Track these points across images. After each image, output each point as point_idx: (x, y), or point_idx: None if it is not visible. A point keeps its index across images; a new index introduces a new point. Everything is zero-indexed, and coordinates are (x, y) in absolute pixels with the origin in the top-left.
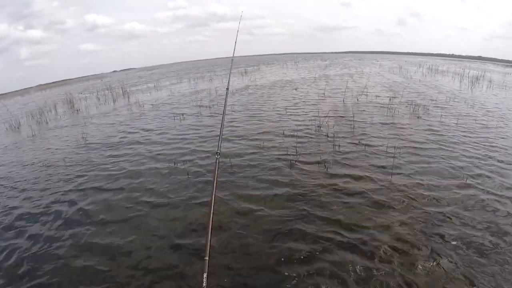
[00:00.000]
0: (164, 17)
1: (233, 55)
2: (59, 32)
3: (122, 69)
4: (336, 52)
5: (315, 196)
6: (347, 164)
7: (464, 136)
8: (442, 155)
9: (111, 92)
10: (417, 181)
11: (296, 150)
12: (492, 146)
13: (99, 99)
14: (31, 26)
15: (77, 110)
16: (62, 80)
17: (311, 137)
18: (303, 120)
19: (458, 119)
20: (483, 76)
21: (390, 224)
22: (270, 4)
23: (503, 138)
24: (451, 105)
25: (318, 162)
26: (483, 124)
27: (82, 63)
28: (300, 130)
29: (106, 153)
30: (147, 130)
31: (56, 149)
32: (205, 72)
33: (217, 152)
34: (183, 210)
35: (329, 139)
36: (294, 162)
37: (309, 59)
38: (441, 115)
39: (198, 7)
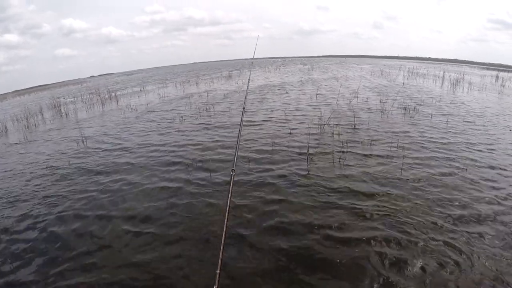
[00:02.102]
0: (141, 21)
1: (253, 57)
2: (36, 37)
3: (100, 74)
4: (314, 56)
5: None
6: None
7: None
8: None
9: (99, 96)
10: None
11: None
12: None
13: (86, 103)
14: (7, 30)
15: (66, 114)
16: (39, 86)
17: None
18: (306, 124)
19: (447, 119)
20: (463, 78)
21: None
22: (247, 8)
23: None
24: (439, 106)
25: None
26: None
27: (59, 68)
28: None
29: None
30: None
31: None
32: (189, 77)
33: (232, 169)
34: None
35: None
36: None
37: (288, 63)
38: (431, 113)
39: (176, 11)
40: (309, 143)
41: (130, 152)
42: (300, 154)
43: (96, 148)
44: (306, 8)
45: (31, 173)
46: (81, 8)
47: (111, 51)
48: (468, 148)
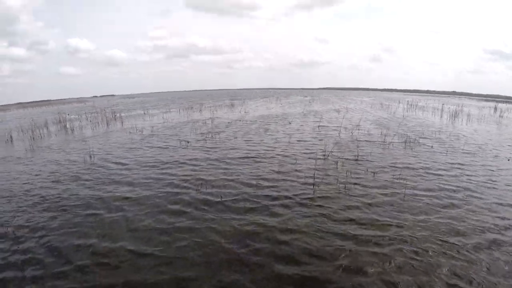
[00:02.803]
0: (144, 46)
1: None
2: (41, 53)
3: (102, 95)
4: (314, 88)
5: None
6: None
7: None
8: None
9: (105, 116)
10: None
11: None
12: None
13: (91, 121)
14: (14, 43)
15: (71, 130)
16: (42, 101)
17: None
18: (310, 155)
19: (447, 150)
20: (461, 110)
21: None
22: (249, 38)
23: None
24: (439, 138)
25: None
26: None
27: (62, 85)
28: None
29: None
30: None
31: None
32: (191, 103)
33: None
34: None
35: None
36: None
37: (288, 94)
38: (432, 145)
39: (179, 38)
40: (315, 174)
41: (134, 173)
42: (306, 183)
43: (101, 166)
44: (306, 41)
45: (35, 184)
46: (88, 28)
47: (114, 73)
48: (469, 180)
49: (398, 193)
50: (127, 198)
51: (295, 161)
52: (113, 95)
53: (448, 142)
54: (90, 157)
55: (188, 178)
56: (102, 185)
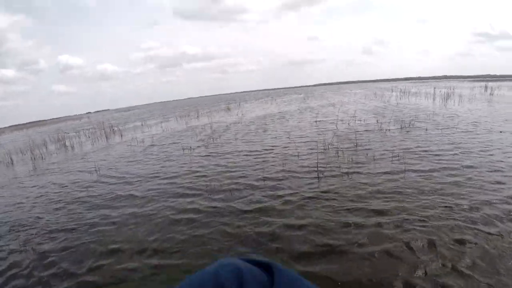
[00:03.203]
0: (136, 58)
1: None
2: (33, 73)
3: (96, 110)
4: (308, 86)
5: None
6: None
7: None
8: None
9: (103, 130)
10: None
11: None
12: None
13: (89, 137)
14: (4, 65)
15: (71, 147)
16: (37, 121)
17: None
18: (311, 148)
19: (442, 131)
20: (453, 92)
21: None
22: (239, 42)
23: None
24: (433, 120)
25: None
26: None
27: (56, 104)
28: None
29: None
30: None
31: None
32: (188, 111)
33: None
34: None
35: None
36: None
37: (283, 94)
38: (426, 128)
39: (169, 47)
40: (318, 166)
41: (139, 186)
42: (310, 177)
43: (104, 181)
44: (297, 39)
45: (39, 204)
46: (78, 44)
47: (107, 87)
48: (468, 156)
49: (399, 175)
50: (135, 213)
51: (297, 157)
52: (108, 110)
53: (443, 123)
54: (94, 173)
55: (194, 185)
56: (109, 201)
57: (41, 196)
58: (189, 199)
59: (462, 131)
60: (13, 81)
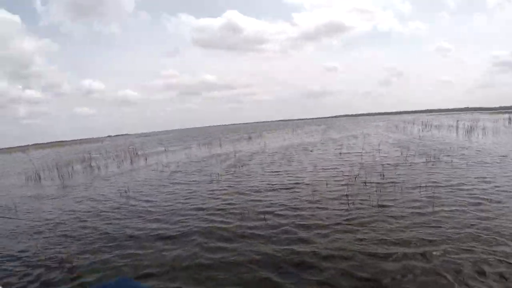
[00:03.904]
0: (156, 85)
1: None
2: (56, 95)
3: (116, 134)
4: (326, 117)
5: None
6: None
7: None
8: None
9: (128, 153)
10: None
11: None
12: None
13: (114, 159)
14: (29, 86)
15: (98, 168)
16: (59, 141)
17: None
18: (339, 180)
19: (467, 164)
20: (476, 125)
21: None
22: (257, 71)
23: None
24: (458, 153)
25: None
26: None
27: (77, 126)
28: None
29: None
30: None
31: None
32: (209, 139)
33: None
34: None
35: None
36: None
37: (302, 125)
38: (452, 161)
39: (189, 75)
40: (348, 199)
41: (168, 210)
42: (340, 209)
43: (133, 205)
44: (316, 71)
45: (68, 224)
46: (100, 70)
47: (127, 112)
48: (497, 191)
49: (428, 209)
50: (164, 236)
51: (325, 188)
52: (127, 134)
53: (467, 156)
54: (122, 195)
55: (223, 212)
56: (137, 223)
57: (66, 211)
58: (215, 225)
59: (489, 165)
60: (37, 101)
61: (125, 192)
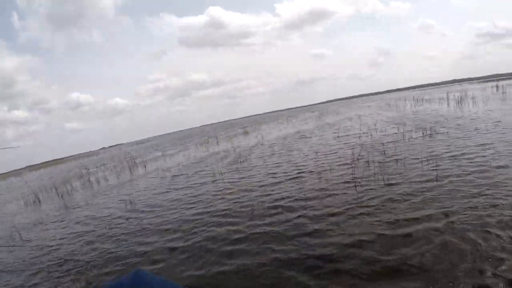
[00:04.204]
0: (145, 90)
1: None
2: (44, 112)
3: (111, 145)
4: (318, 103)
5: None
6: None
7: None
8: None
9: (127, 163)
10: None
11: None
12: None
13: (112, 170)
14: (15, 106)
15: (97, 182)
16: (52, 160)
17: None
18: (343, 161)
19: (464, 133)
20: (466, 95)
21: None
22: (245, 65)
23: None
24: (453, 124)
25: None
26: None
27: (69, 142)
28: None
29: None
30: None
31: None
32: (205, 138)
33: None
34: None
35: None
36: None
37: (296, 113)
38: (448, 132)
39: (177, 77)
40: (355, 180)
41: (174, 219)
42: (348, 192)
43: (137, 218)
44: (304, 59)
45: (75, 249)
46: (86, 81)
47: (119, 121)
48: (494, 157)
49: (434, 183)
50: (173, 248)
51: (329, 174)
52: (122, 144)
53: (463, 126)
54: (126, 208)
55: (231, 212)
56: (145, 238)
57: (71, 235)
58: (226, 227)
59: (485, 132)
60: (25, 122)
61: (130, 203)
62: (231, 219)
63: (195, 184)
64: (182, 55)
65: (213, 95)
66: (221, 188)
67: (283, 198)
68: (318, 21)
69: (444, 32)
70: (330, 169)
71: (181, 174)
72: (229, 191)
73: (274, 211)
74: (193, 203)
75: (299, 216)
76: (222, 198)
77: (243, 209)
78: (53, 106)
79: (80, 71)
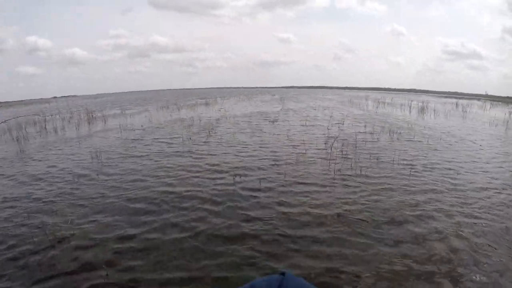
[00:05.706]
0: (106, 45)
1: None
2: None
3: (63, 95)
4: (278, 87)
5: None
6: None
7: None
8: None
9: (86, 115)
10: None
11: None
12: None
13: (69, 121)
14: None
15: (55, 131)
16: (1, 102)
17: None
18: (315, 147)
19: (428, 141)
20: (427, 106)
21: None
22: (210, 37)
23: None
24: (417, 130)
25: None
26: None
27: (20, 86)
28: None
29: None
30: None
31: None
32: (163, 103)
33: None
34: None
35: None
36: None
37: (256, 93)
38: (414, 136)
39: (140, 37)
40: (329, 161)
41: (146, 188)
42: (325, 167)
43: (105, 178)
44: (268, 40)
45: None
46: (47, 26)
47: (74, 72)
48: (459, 166)
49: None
50: (145, 222)
51: (305, 151)
52: (75, 96)
53: (428, 134)
54: (92, 160)
55: (209, 197)
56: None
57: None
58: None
59: (450, 142)
60: None
61: (96, 157)
62: (212, 207)
63: (167, 149)
64: (148, 15)
65: (173, 60)
66: (195, 164)
67: (262, 181)
68: (292, 5)
69: (413, 41)
70: (305, 151)
71: (147, 137)
72: (205, 159)
73: (254, 194)
74: (160, 177)
75: (277, 185)
76: (197, 161)
77: (223, 193)
78: (8, 47)
79: (42, 16)
